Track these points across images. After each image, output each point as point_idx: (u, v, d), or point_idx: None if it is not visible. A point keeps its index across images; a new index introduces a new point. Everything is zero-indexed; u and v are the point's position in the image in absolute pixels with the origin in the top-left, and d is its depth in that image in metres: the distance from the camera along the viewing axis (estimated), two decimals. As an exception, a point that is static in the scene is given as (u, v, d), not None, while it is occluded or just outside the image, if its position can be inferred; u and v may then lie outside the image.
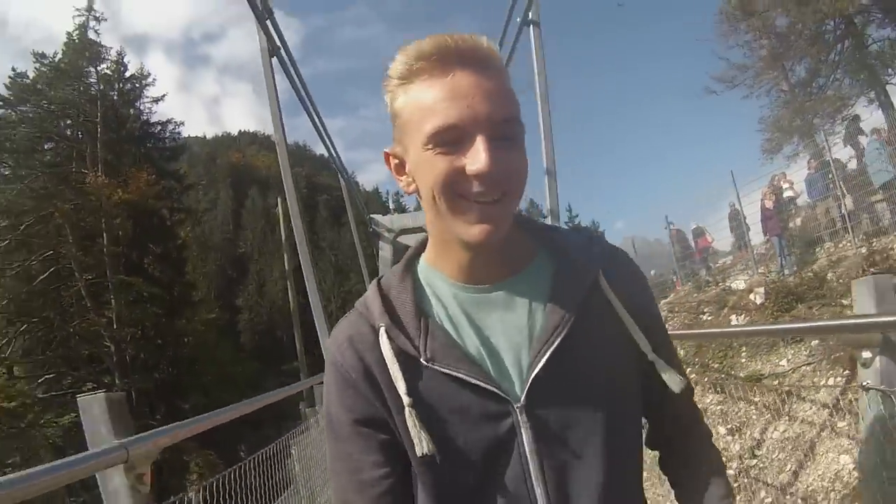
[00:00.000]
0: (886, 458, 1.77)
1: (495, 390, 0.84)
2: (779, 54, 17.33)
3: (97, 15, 26.61)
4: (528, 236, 0.98)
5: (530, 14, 7.75)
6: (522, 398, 0.85)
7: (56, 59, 24.71)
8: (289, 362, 59.51)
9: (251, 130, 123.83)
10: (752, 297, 10.91)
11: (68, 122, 24.32)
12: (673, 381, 0.93)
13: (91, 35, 26.12)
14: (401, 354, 0.87)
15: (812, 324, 2.02)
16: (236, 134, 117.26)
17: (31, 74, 24.48)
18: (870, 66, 16.42)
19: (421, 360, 0.85)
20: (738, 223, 14.81)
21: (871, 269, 9.07)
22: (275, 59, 8.08)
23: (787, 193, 14.17)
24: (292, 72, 8.81)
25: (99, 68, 25.76)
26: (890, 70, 16.49)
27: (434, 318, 0.90)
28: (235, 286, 67.31)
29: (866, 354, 1.89)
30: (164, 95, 29.98)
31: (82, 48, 25.19)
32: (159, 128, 30.11)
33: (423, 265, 0.98)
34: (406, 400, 0.84)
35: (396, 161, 0.91)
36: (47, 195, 21.04)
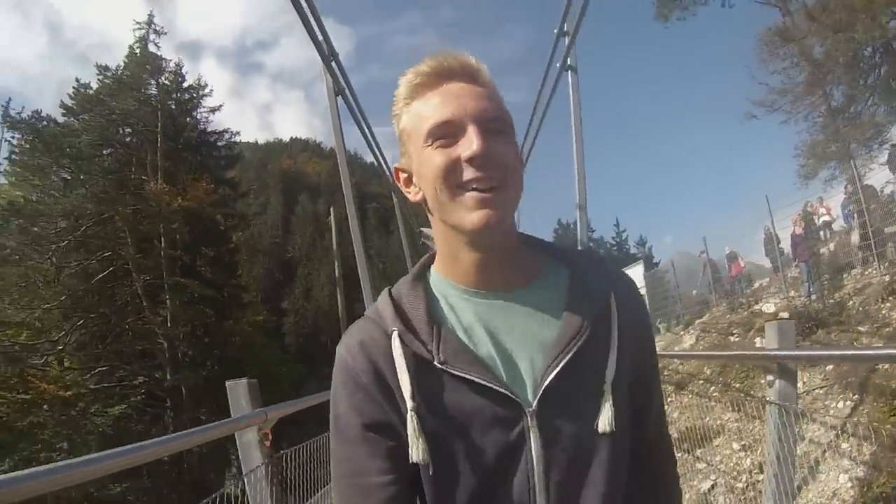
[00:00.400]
0: (781, 454, 2.46)
1: (508, 394, 0.85)
2: (816, 80, 17.35)
3: (157, 28, 28.27)
4: (537, 252, 1.02)
5: (569, 60, 8.21)
6: (534, 404, 0.86)
7: (119, 71, 26.17)
8: (331, 366, 61.10)
9: (302, 137, 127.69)
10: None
11: (128, 130, 25.58)
12: (657, 398, 1.06)
13: (151, 47, 27.69)
14: (413, 358, 0.88)
15: (729, 353, 2.93)
16: (287, 140, 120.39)
17: (94, 84, 25.95)
18: None
19: (434, 363, 0.87)
20: (772, 247, 14.89)
21: (890, 297, 9.42)
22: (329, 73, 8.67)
23: (824, 218, 14.29)
24: (342, 82, 9.25)
25: (159, 80, 27.14)
26: None
27: (446, 324, 0.92)
28: (282, 290, 68.17)
29: (770, 377, 2.52)
30: (220, 105, 30.99)
31: (143, 61, 26.65)
32: (215, 137, 31.24)
33: (434, 274, 1.01)
34: (410, 404, 0.85)
35: (405, 175, 0.99)
36: (108, 200, 22.35)
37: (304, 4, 6.95)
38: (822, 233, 15.00)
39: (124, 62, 27.07)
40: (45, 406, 18.56)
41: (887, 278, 10.39)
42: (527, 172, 0.99)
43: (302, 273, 71.85)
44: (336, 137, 8.83)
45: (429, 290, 0.98)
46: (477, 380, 0.85)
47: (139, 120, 25.09)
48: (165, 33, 29.14)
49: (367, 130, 11.92)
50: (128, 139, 25.47)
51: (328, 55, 8.39)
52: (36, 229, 21.03)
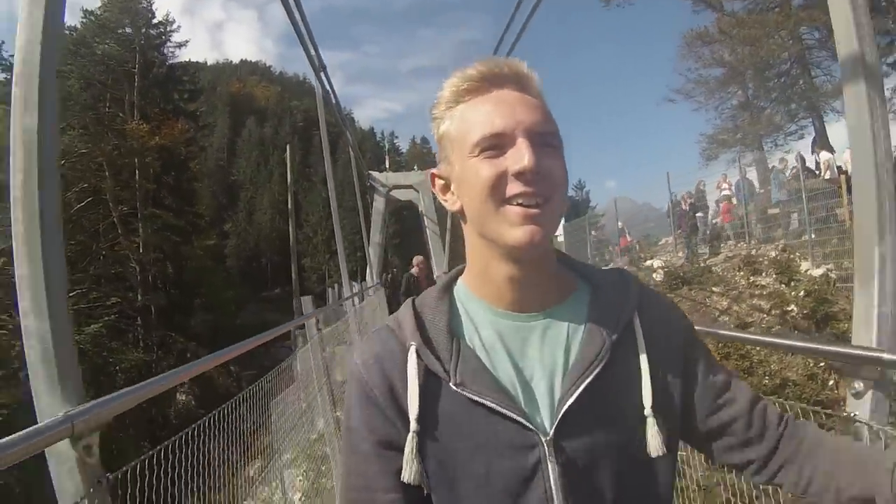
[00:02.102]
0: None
1: (524, 421, 0.83)
2: (728, 79, 20.67)
3: None
4: (568, 270, 1.00)
5: None
6: (552, 432, 0.83)
7: (101, 13, 27.72)
8: (270, 289, 62.83)
9: (253, 60, 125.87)
10: (654, 275, 14.16)
11: (103, 68, 27.17)
12: (742, 393, 0.96)
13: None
14: (428, 376, 0.86)
15: (816, 345, 1.86)
16: (237, 62, 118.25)
17: (78, 27, 27.44)
18: (808, 97, 19.55)
19: (450, 383, 0.84)
20: (672, 214, 17.79)
21: (745, 267, 12.58)
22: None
23: (725, 192, 17.02)
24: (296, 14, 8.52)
25: (136, 22, 28.73)
26: (824, 103, 19.53)
27: (466, 342, 0.89)
28: (225, 212, 69.00)
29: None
30: (187, 41, 32.89)
31: (122, 5, 28.22)
32: (180, 71, 33.08)
33: (462, 289, 0.97)
34: (413, 426, 0.84)
35: (442, 181, 0.95)
36: (90, 136, 24.37)
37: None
38: (721, 204, 17.46)
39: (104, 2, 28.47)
40: None
41: (753, 251, 13.53)
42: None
43: (245, 197, 72.81)
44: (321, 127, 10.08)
45: (454, 304, 0.95)
46: (492, 405, 0.83)
47: (118, 61, 26.94)
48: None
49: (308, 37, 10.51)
50: (106, 77, 27.08)
51: (318, 66, 9.03)
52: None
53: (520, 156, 0.81)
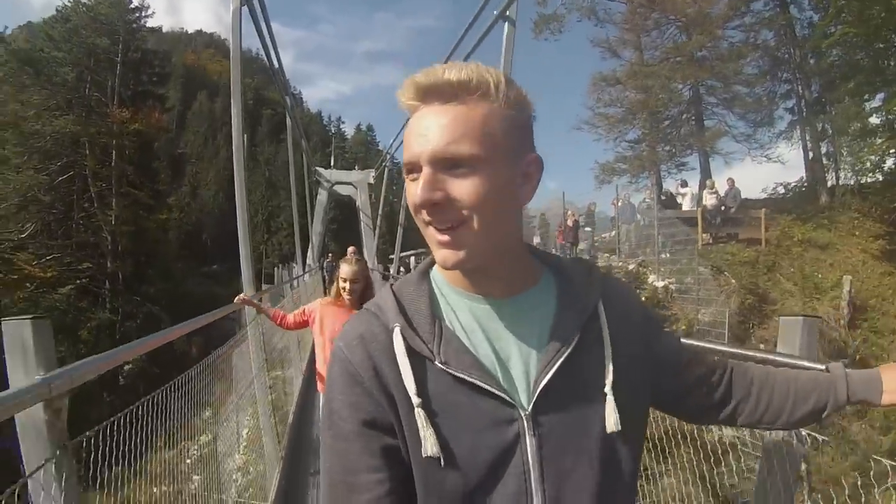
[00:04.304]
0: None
1: (505, 397, 0.86)
2: (625, 117, 24.29)
3: None
4: (535, 260, 1.01)
5: (508, 11, 7.78)
6: (530, 407, 0.87)
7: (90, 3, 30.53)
8: (209, 264, 64.20)
9: (209, 31, 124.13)
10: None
11: (88, 54, 29.97)
12: (693, 353, 1.10)
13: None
14: (413, 356, 0.87)
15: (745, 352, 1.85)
16: (192, 32, 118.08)
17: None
18: (694, 138, 23.44)
19: (436, 362, 0.87)
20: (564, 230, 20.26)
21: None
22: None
23: (612, 214, 20.26)
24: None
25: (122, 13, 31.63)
26: (707, 146, 23.34)
27: (447, 325, 0.91)
28: (168, 184, 69.43)
29: None
30: (160, 27, 35.60)
31: None
32: (151, 56, 35.74)
33: (437, 275, 1.00)
34: (415, 400, 0.84)
35: None
36: (77, 119, 27.32)
37: None
38: (611, 222, 20.60)
39: None
40: (27, 284, 24.00)
41: (620, 264, 17.13)
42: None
43: (191, 171, 72.52)
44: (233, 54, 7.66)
45: (432, 289, 0.97)
46: (476, 381, 0.85)
47: (102, 49, 29.88)
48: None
49: (270, 42, 11.39)
50: (90, 62, 29.87)
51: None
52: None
53: (415, 189, 0.84)
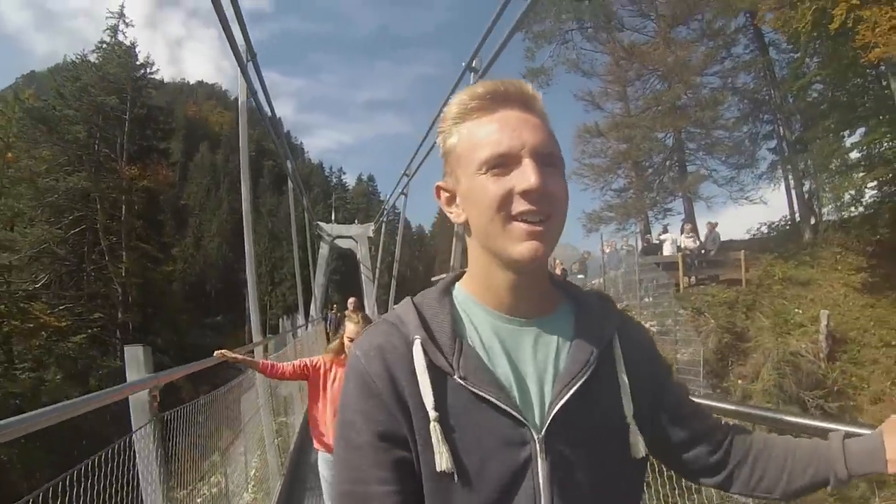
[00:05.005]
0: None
1: (521, 418, 0.86)
2: (610, 167, 25.32)
3: (127, 21, 34.61)
4: (554, 285, 1.03)
5: (474, 63, 8.69)
6: (543, 430, 0.87)
7: (94, 58, 32.67)
8: (213, 316, 63.98)
9: (209, 81, 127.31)
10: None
11: (96, 112, 31.63)
12: (697, 407, 1.09)
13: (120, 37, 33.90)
14: (433, 369, 0.87)
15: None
16: (194, 83, 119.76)
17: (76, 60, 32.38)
18: (676, 184, 24.19)
19: (455, 377, 0.87)
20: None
21: None
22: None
23: (604, 259, 20.43)
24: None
25: (131, 73, 33.48)
26: (691, 193, 24.05)
27: (468, 341, 0.92)
28: (169, 234, 69.64)
29: None
30: (162, 81, 37.37)
31: (115, 57, 33.19)
32: (156, 112, 37.43)
33: (461, 292, 1.00)
34: (433, 414, 0.84)
35: (447, 194, 0.98)
36: (88, 176, 28.85)
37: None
38: (607, 265, 20.84)
39: (101, 47, 33.56)
40: (43, 332, 24.97)
41: None
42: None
43: (194, 223, 73.36)
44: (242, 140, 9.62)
45: (454, 305, 0.97)
46: (493, 399, 0.86)
47: (111, 107, 31.54)
48: (133, 26, 35.56)
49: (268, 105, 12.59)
50: (99, 119, 31.50)
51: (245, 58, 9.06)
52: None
53: (526, 175, 0.85)
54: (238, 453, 5.92)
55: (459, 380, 0.86)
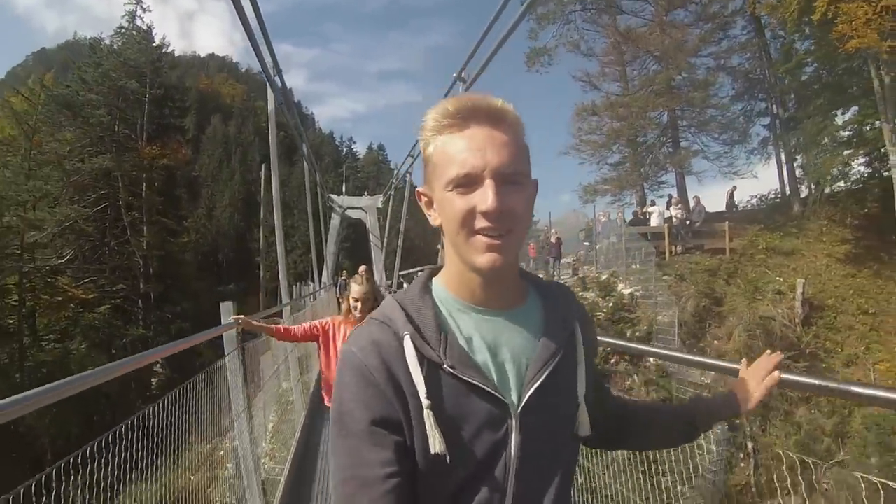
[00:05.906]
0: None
1: (501, 398, 0.95)
2: (606, 142, 26.17)
3: (145, 6, 36.09)
4: (522, 278, 1.11)
5: (463, 73, 9.18)
6: (520, 409, 0.96)
7: (115, 46, 34.16)
8: (225, 284, 64.04)
9: (220, 54, 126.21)
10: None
11: (117, 95, 33.22)
12: (609, 395, 1.30)
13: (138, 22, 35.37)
14: (424, 361, 0.94)
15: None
16: (205, 56, 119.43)
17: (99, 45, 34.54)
18: (669, 159, 25.36)
19: (444, 366, 0.94)
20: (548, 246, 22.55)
21: (583, 285, 17.67)
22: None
23: (599, 228, 21.89)
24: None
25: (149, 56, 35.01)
26: (683, 168, 25.11)
27: (451, 332, 0.99)
28: (185, 207, 70.08)
29: None
30: (177, 64, 38.34)
31: (133, 42, 34.73)
32: (172, 91, 38.98)
33: (439, 288, 1.07)
34: (426, 402, 0.91)
35: (426, 198, 1.05)
36: (112, 156, 30.64)
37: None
38: (601, 234, 22.08)
39: (119, 32, 35.11)
40: (71, 305, 26.70)
41: (595, 275, 19.51)
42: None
43: (206, 194, 73.56)
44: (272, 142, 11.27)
45: (434, 300, 1.03)
46: (478, 384, 0.93)
47: (131, 90, 33.20)
48: (150, 10, 37.16)
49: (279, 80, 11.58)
50: (119, 101, 33.09)
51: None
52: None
53: (486, 197, 0.91)
54: (258, 407, 6.43)
55: (448, 368, 0.94)
